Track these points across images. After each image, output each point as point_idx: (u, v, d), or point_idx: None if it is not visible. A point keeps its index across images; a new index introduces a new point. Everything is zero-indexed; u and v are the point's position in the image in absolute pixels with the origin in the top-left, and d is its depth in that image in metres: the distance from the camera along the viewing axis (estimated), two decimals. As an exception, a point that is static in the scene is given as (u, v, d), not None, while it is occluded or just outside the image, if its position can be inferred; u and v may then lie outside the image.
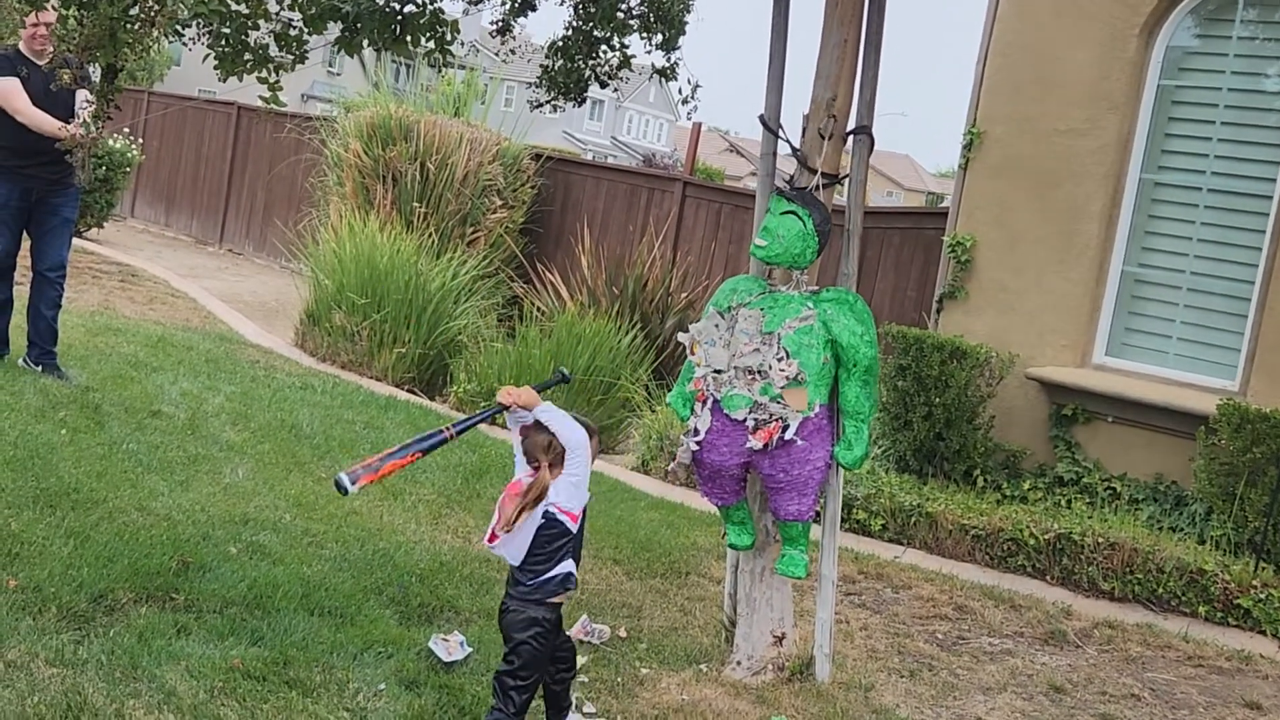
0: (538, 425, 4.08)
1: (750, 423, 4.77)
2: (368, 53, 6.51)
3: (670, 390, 5.31)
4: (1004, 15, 9.20)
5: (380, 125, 13.22)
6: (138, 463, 6.48)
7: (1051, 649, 6.13)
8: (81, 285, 11.72)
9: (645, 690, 4.86)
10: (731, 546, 5.20)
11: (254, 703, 4.15)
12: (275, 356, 10.54)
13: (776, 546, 5.13)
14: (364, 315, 10.93)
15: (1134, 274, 8.78)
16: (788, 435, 4.72)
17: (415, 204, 12.81)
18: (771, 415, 4.73)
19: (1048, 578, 7.23)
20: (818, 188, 5.03)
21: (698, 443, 4.91)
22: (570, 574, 4.07)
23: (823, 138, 5.08)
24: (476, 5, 7.19)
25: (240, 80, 5.79)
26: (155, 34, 4.94)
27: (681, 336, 5.10)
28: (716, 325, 4.94)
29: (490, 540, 4.06)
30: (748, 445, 4.79)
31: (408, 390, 10.54)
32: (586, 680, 4.88)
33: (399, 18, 5.93)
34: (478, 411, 4.65)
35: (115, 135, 15.53)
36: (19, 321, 8.10)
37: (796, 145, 5.17)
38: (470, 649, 4.89)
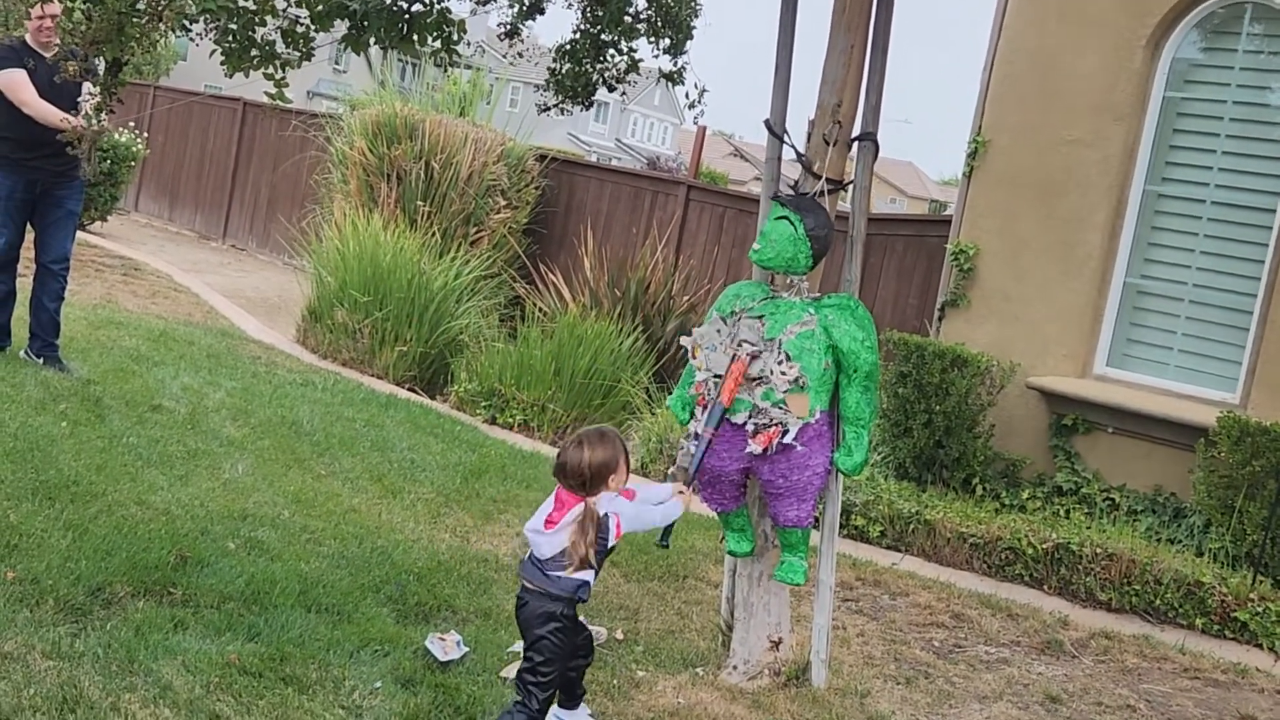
0: (575, 450, 4.07)
1: (750, 427, 4.77)
2: (374, 51, 6.52)
3: (671, 393, 5.31)
4: (1010, 24, 9.21)
5: (385, 123, 13.23)
6: (137, 457, 6.49)
7: (1048, 659, 6.13)
8: (84, 278, 11.73)
9: (641, 693, 4.86)
10: (730, 553, 5.20)
11: (250, 699, 4.15)
12: (277, 353, 10.55)
13: (775, 551, 5.13)
14: (366, 313, 10.94)
15: (1136, 285, 8.78)
16: (787, 440, 4.73)
17: (419, 203, 12.82)
18: (771, 420, 4.74)
19: (1045, 587, 7.23)
20: (822, 193, 5.03)
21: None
22: (587, 583, 4.08)
23: (827, 143, 5.08)
24: (484, 6, 7.20)
25: (246, 76, 5.80)
26: (162, 29, 4.95)
27: (683, 340, 5.10)
28: (719, 330, 4.95)
29: (546, 526, 4.05)
30: (747, 450, 4.79)
31: (408, 389, 10.55)
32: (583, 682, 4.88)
33: (406, 16, 5.94)
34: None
35: (121, 129, 15.54)
36: (21, 314, 8.11)
37: (801, 150, 5.17)
38: (467, 649, 4.89)
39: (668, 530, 4.49)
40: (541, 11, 7.14)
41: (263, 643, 4.59)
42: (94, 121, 5.48)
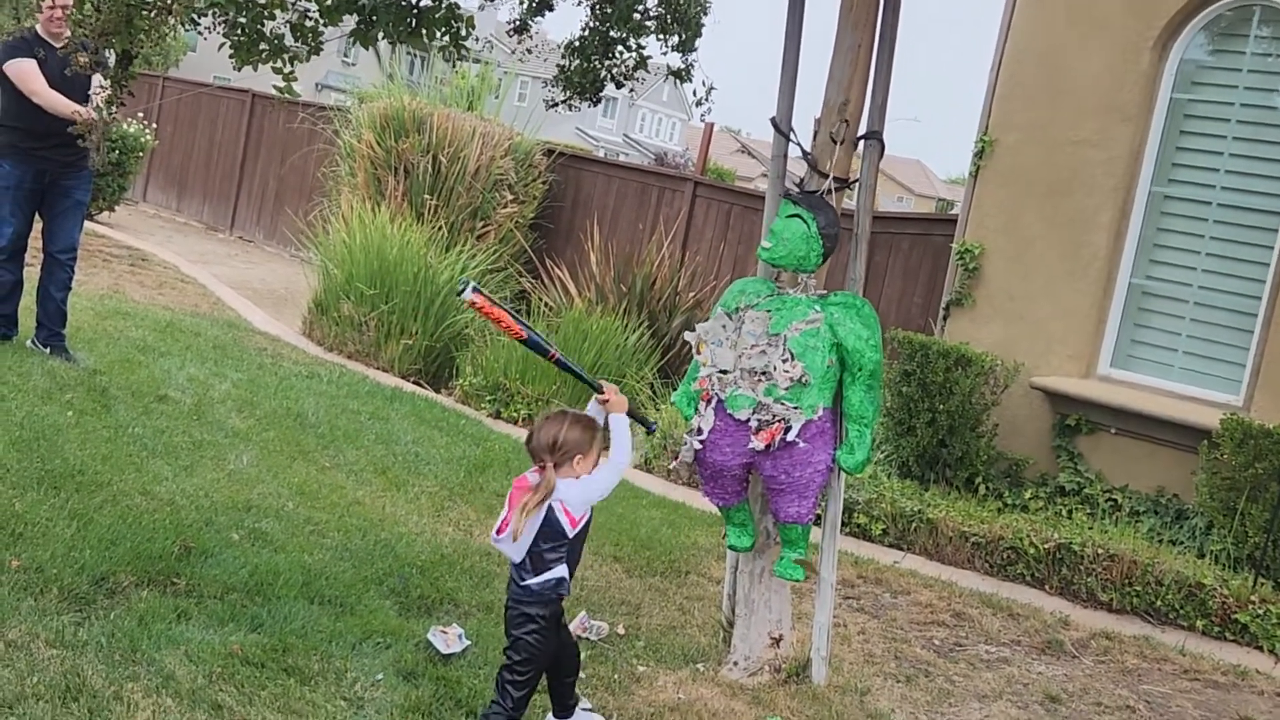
0: (554, 421, 4.09)
1: (753, 423, 4.78)
2: (383, 44, 6.53)
3: (675, 389, 5.33)
4: (1018, 24, 9.22)
5: (393, 117, 13.25)
6: (143, 447, 6.51)
7: (1048, 658, 6.14)
8: (91, 268, 11.75)
9: (641, 688, 4.87)
10: (731, 548, 5.21)
11: (252, 689, 4.17)
12: (282, 344, 10.57)
13: (776, 548, 5.14)
14: (372, 306, 10.96)
15: (1141, 286, 8.78)
16: (790, 437, 4.74)
17: (426, 196, 12.84)
18: (774, 416, 4.75)
19: (1046, 587, 7.24)
20: (828, 191, 5.04)
21: (701, 442, 4.93)
22: (562, 579, 4.08)
23: (834, 142, 5.09)
24: (492, 1, 7.22)
25: (255, 70, 5.82)
26: (171, 22, 4.96)
27: (688, 336, 5.11)
28: (724, 326, 4.96)
29: (499, 531, 4.06)
30: (750, 446, 4.80)
31: (413, 382, 10.57)
32: (583, 676, 4.89)
33: (415, 11, 5.96)
34: (579, 367, 4.72)
35: (129, 120, 15.56)
36: (28, 303, 8.13)
37: (808, 149, 5.19)
38: (469, 642, 4.91)
39: (640, 421, 4.58)
40: (550, 8, 7.15)
41: (265, 633, 4.61)
42: (105, 114, 5.50)
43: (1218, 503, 7.47)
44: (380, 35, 5.99)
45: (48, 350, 7.90)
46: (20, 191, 7.85)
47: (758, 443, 4.77)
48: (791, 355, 4.74)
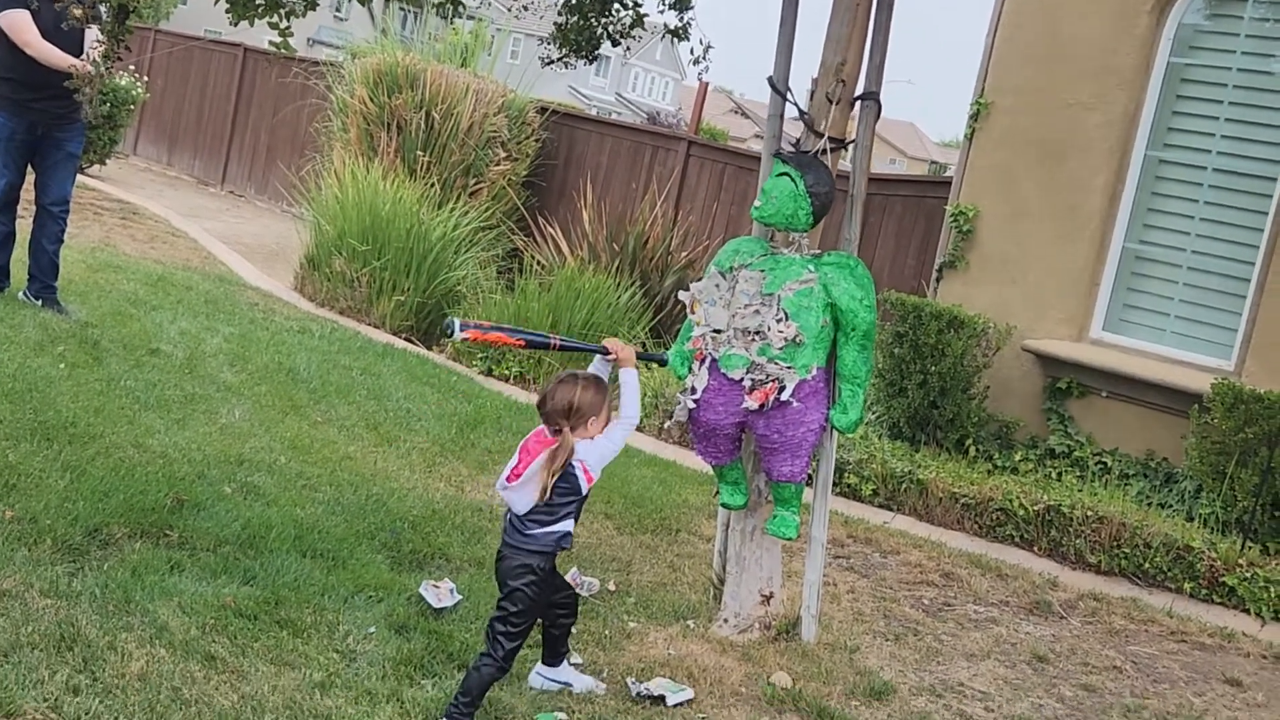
0: (568, 385, 4.10)
1: (747, 383, 4.79)
2: (376, 0, 6.48)
3: (667, 348, 5.33)
4: (1016, -14, 9.17)
5: (386, 73, 13.17)
6: (135, 400, 6.51)
7: (1036, 619, 6.18)
8: (83, 221, 11.71)
9: (632, 644, 4.90)
10: (724, 506, 5.23)
11: (245, 641, 4.19)
12: (274, 300, 10.56)
13: (768, 507, 5.16)
14: (364, 262, 10.94)
15: (1135, 250, 8.79)
16: (784, 396, 4.75)
17: (419, 153, 12.79)
18: (768, 376, 4.76)
19: (1035, 548, 7.28)
20: (823, 152, 5.03)
21: (694, 401, 4.94)
22: (568, 533, 4.11)
23: (830, 102, 5.08)
24: (488, -45, 7.16)
25: (251, 25, 5.78)
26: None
27: (682, 295, 5.11)
28: (717, 285, 4.96)
29: (510, 480, 4.07)
30: (744, 405, 4.81)
31: (405, 338, 10.56)
32: (575, 631, 4.92)
33: (411, -36, 5.91)
34: (583, 342, 4.72)
35: (121, 73, 15.46)
36: (20, 255, 8.11)
37: (804, 108, 5.17)
38: (460, 596, 4.93)
39: (652, 358, 4.64)
40: (546, -37, 7.10)
41: (258, 586, 4.63)
42: (101, 68, 5.47)
43: (1207, 467, 7.50)
44: (376, -11, 5.94)
45: (39, 302, 7.88)
46: (13, 144, 7.81)
47: (751, 402, 4.78)
48: (786, 315, 4.74)
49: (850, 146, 5.23)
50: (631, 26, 7.49)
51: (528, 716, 4.13)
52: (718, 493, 5.25)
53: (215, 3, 5.71)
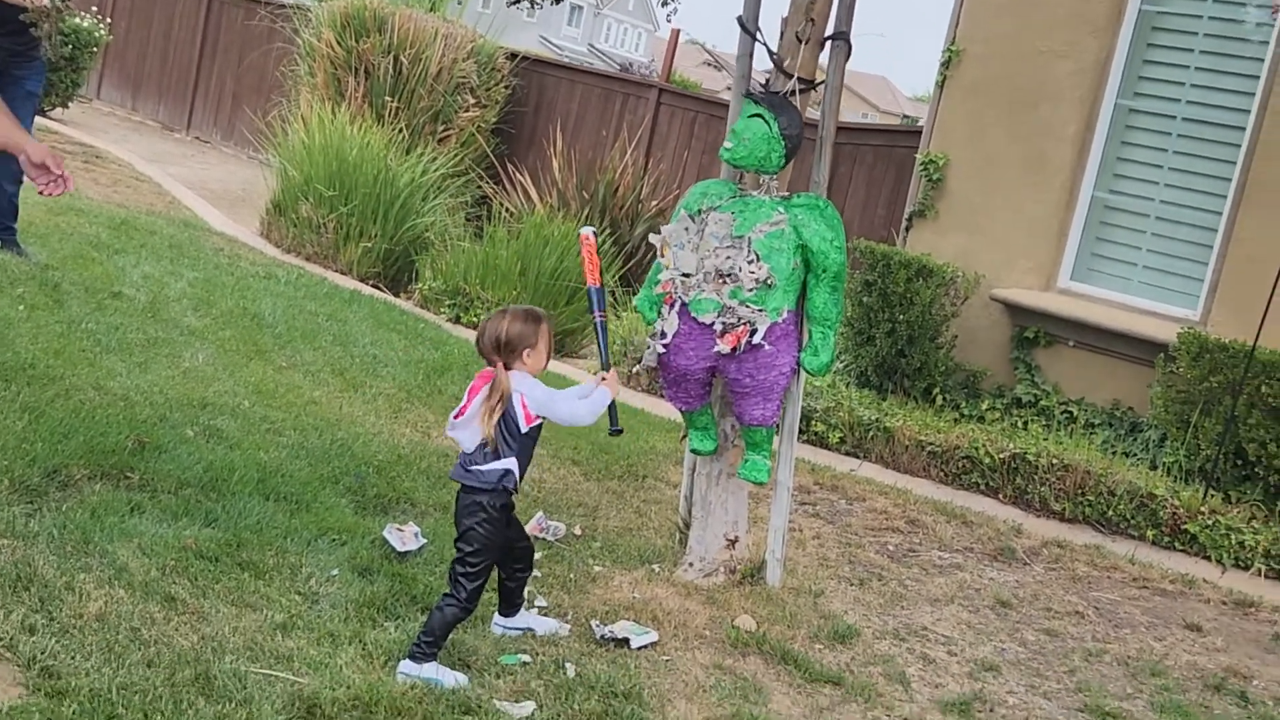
0: (496, 319, 4.06)
1: (718, 326, 4.76)
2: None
3: (637, 295, 5.30)
4: (989, -68, 9.11)
5: (354, 16, 13.01)
6: (96, 342, 6.43)
7: (1000, 565, 6.20)
8: (44, 165, 11.52)
9: (597, 587, 4.89)
10: (693, 451, 5.21)
11: (206, 582, 4.16)
12: (240, 245, 10.45)
13: (735, 451, 5.15)
14: (331, 208, 10.83)
15: (1104, 200, 8.78)
16: (756, 340, 4.73)
17: (387, 98, 12.66)
18: (740, 319, 4.73)
19: (1000, 496, 7.31)
20: (793, 93, 4.99)
21: (664, 346, 4.91)
22: (509, 471, 4.04)
23: (800, 42, 5.03)
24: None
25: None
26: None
27: (652, 238, 5.07)
28: (686, 228, 4.92)
29: (455, 417, 4.06)
30: (715, 349, 4.79)
31: (372, 285, 10.48)
32: (539, 575, 4.91)
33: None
34: (604, 341, 4.64)
35: (82, 14, 15.21)
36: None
37: (774, 49, 5.12)
38: (425, 540, 4.91)
39: (613, 416, 4.40)
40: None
41: (220, 529, 4.59)
42: (57, 2, 5.37)
43: (1172, 416, 7.53)
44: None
45: (-1, 244, 7.77)
46: (-31, 81, 7.67)
47: (724, 346, 4.75)
48: (757, 257, 4.71)
49: (820, 87, 5.19)
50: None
51: (491, 659, 4.12)
52: (685, 438, 5.23)
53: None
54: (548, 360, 4.15)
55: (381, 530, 4.92)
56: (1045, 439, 7.74)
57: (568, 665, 4.16)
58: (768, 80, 5.12)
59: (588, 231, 4.58)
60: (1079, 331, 8.52)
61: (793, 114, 4.84)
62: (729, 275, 4.74)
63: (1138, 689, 4.93)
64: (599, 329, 4.61)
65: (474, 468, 4.04)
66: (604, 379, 4.33)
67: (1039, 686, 4.80)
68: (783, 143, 4.78)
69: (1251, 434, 7.06)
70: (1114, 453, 7.81)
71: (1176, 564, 6.61)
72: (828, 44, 5.14)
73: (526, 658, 4.17)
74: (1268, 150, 8.00)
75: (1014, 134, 8.92)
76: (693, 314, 4.82)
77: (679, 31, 14.39)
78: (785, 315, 4.78)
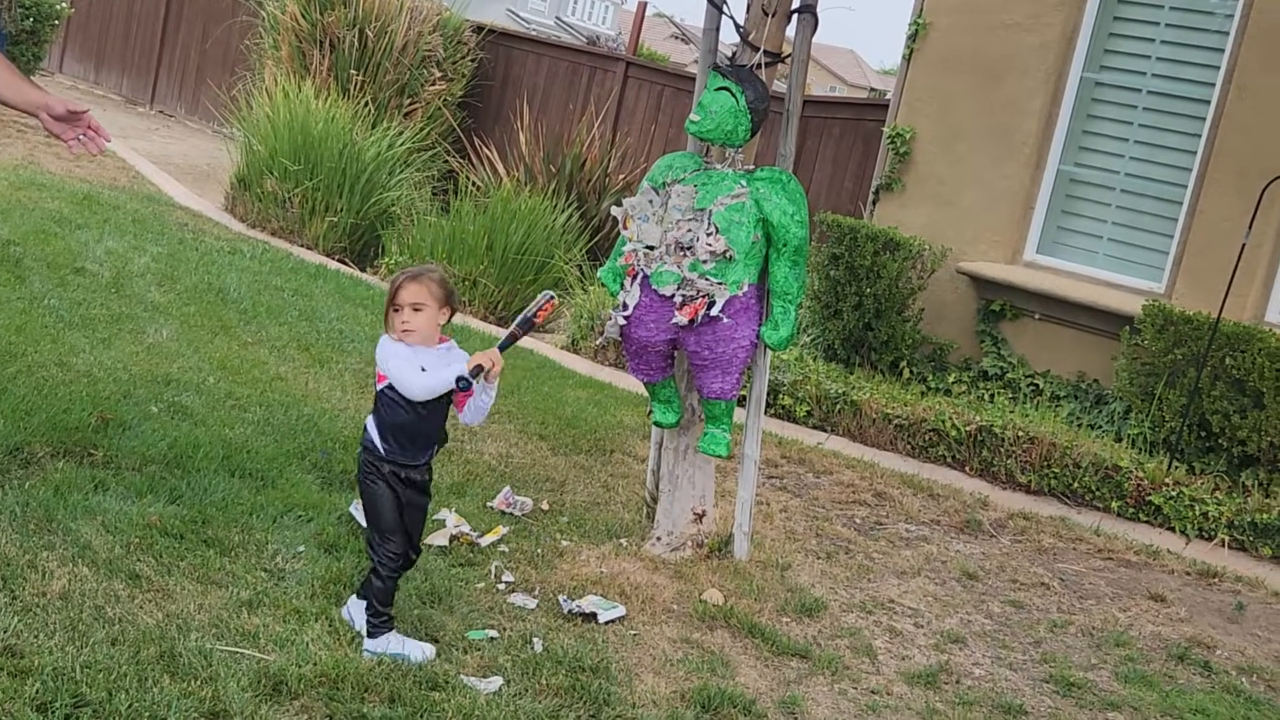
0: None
1: (678, 299, 4.77)
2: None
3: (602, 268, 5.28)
4: (956, -95, 9.10)
5: (319, -11, 12.90)
6: (59, 319, 6.38)
7: (966, 537, 6.24)
8: (5, 138, 11.43)
9: (564, 562, 4.89)
10: (656, 424, 5.21)
11: (171, 560, 4.13)
12: (204, 220, 10.37)
13: (701, 425, 5.15)
14: (296, 182, 10.75)
15: (1069, 173, 8.81)
16: (713, 312, 4.73)
17: (352, 72, 12.56)
18: (698, 291, 4.73)
19: (967, 469, 7.34)
20: (759, 65, 4.97)
21: (626, 318, 4.90)
22: (366, 429, 3.99)
23: (766, 14, 5.01)
24: None
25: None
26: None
27: (615, 211, 5.06)
28: (650, 201, 4.91)
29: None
30: (674, 321, 4.79)
31: (338, 260, 10.42)
32: (507, 550, 4.91)
33: None
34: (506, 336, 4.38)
35: (43, -14, 15.03)
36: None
37: (740, 22, 5.10)
38: (391, 515, 4.89)
39: (461, 383, 3.92)
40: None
41: (184, 505, 4.57)
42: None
43: (1137, 388, 7.57)
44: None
45: (-41, 220, 7.69)
46: (-73, 54, 7.57)
47: (681, 317, 4.76)
48: (716, 229, 4.71)
49: (787, 61, 5.17)
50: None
51: (459, 634, 4.12)
52: (650, 411, 5.23)
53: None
54: (439, 320, 4.01)
55: (348, 506, 4.90)
56: (1011, 412, 7.77)
57: (535, 640, 4.16)
58: (734, 53, 5.10)
59: (550, 295, 4.18)
60: (1045, 304, 8.55)
61: (759, 86, 4.83)
62: (689, 248, 4.74)
63: (1102, 659, 4.97)
64: (511, 336, 4.20)
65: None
66: (484, 355, 3.97)
67: (1004, 658, 4.83)
68: (749, 116, 4.77)
69: (1215, 406, 7.11)
70: (1079, 425, 7.86)
71: (1141, 535, 6.66)
72: (794, 17, 5.12)
73: (494, 633, 4.17)
74: (1232, 124, 8.04)
75: (980, 107, 8.93)
76: (654, 286, 4.82)
77: (646, 4, 14.34)
78: (746, 289, 4.78)
